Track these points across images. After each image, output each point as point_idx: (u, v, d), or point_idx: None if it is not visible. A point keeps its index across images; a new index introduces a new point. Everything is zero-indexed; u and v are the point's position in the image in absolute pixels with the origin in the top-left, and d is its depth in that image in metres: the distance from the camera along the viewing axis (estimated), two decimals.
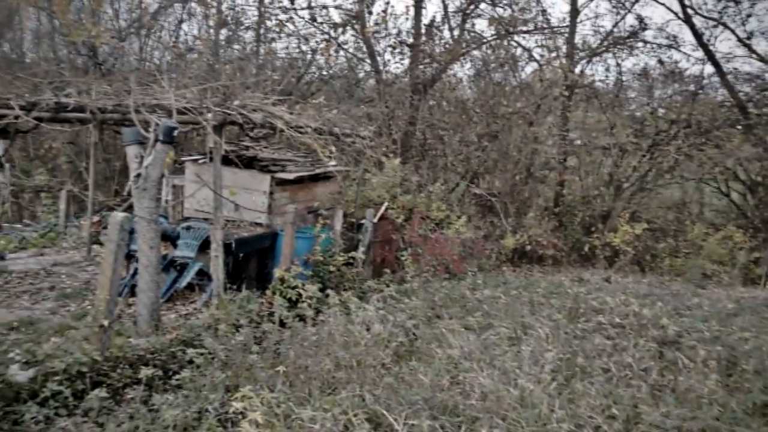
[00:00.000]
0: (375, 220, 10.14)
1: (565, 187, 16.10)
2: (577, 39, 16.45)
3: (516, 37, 16.75)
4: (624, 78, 17.09)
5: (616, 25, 16.36)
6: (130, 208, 6.91)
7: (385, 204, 11.09)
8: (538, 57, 17.00)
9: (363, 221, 9.99)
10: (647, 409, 3.94)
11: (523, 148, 15.53)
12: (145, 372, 4.05)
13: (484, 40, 16.93)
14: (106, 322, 4.83)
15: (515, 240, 12.91)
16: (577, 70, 16.26)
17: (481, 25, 24.64)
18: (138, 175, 5.95)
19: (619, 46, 16.41)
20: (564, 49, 16.34)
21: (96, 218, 10.51)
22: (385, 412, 3.45)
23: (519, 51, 17.02)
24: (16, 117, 7.32)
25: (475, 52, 17.25)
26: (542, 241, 13.30)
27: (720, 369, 4.82)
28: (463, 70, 18.41)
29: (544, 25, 16.79)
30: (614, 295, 7.40)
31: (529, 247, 13.37)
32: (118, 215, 5.22)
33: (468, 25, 17.13)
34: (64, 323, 6.44)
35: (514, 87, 16.85)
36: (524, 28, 16.61)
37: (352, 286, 8.17)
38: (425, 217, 11.12)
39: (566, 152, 15.85)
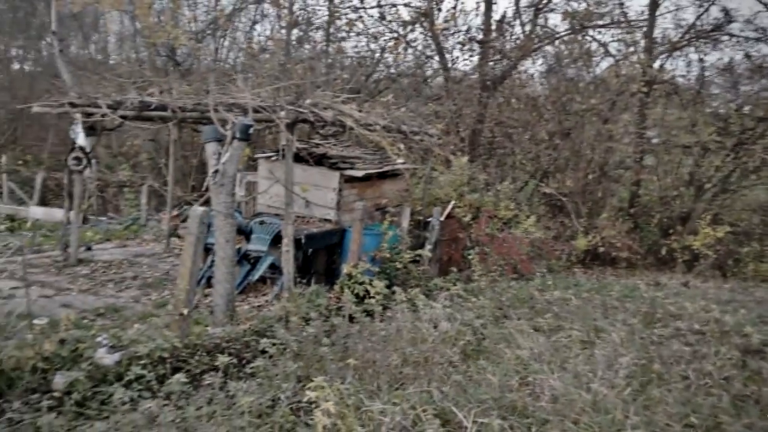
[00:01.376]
0: (442, 219, 10.12)
1: (641, 187, 15.50)
2: (657, 33, 15.78)
3: (591, 32, 16.28)
4: (707, 73, 16.22)
5: (699, 17, 15.57)
6: (206, 203, 7.19)
7: (452, 202, 11.03)
8: (614, 52, 16.44)
9: (430, 219, 9.99)
10: (729, 420, 3.76)
11: (596, 146, 15.07)
12: (222, 360, 4.23)
13: (557, 36, 16.54)
14: (185, 311, 5.07)
15: (587, 241, 12.53)
16: (656, 65, 15.60)
17: (554, 19, 24.06)
18: (216, 171, 6.19)
19: (702, 40, 15.60)
20: (642, 43, 15.72)
21: (175, 212, 11.00)
22: (454, 409, 3.45)
23: (594, 46, 16.53)
24: (103, 115, 7.78)
25: (548, 48, 16.88)
26: (616, 243, 12.85)
27: None
28: (534, 66, 18.03)
29: (621, 19, 16.22)
30: (693, 300, 7.08)
31: (602, 249, 12.95)
32: (198, 209, 5.45)
33: (540, 20, 16.80)
34: (146, 311, 6.79)
35: (588, 83, 16.37)
36: (600, 22, 16.09)
37: (418, 283, 8.19)
38: (493, 216, 10.98)
39: (643, 150, 15.25)
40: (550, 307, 6.70)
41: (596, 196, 15.24)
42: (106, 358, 4.55)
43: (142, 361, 4.42)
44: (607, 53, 16.53)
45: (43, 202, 15.45)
